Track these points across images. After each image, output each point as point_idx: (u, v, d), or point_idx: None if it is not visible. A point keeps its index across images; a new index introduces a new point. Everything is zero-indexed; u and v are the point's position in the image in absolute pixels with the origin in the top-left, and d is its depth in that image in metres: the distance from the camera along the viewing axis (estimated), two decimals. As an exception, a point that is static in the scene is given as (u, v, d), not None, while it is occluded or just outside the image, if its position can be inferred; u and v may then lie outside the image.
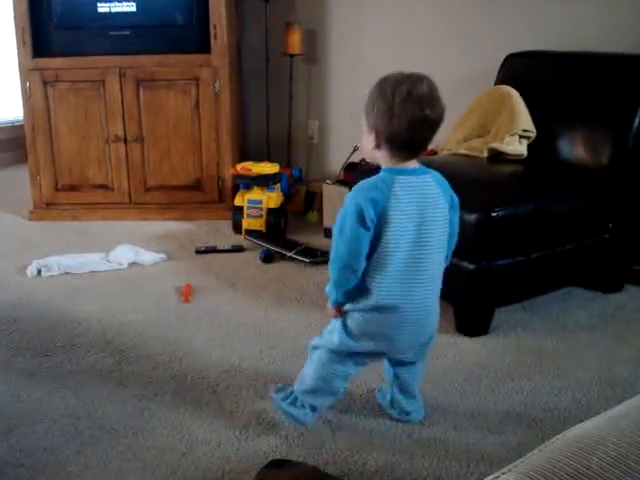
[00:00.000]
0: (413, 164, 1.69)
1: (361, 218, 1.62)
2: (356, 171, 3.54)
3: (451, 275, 2.42)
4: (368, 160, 3.60)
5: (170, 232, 3.67)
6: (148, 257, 3.22)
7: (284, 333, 2.50)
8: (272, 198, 3.57)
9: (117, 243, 3.33)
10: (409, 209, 1.64)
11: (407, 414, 1.94)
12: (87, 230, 3.72)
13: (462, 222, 2.32)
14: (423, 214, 1.66)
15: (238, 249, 3.38)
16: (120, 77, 3.72)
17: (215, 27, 3.67)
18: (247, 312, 2.67)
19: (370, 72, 4.03)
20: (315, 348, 1.87)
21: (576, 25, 3.23)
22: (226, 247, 3.38)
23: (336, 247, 1.68)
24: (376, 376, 2.08)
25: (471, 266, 2.36)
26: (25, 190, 3.99)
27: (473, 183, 2.63)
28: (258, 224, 3.53)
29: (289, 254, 3.22)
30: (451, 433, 1.89)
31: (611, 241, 2.67)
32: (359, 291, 1.71)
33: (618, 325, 2.55)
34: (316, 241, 3.47)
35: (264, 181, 3.59)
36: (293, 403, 1.90)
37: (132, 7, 3.65)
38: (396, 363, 1.90)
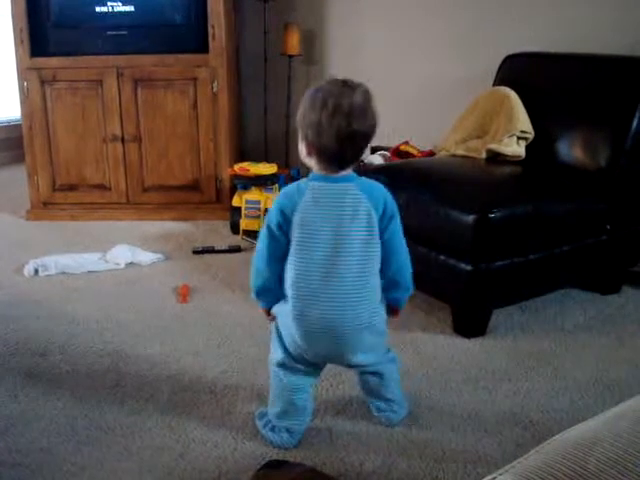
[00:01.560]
0: (342, 172, 1.67)
1: (269, 221, 1.66)
2: (354, 172, 3.54)
3: (448, 276, 2.44)
4: (365, 160, 3.61)
5: (168, 232, 3.67)
6: (145, 257, 3.22)
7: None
8: (270, 198, 3.57)
9: (114, 243, 3.33)
10: (319, 215, 1.62)
11: (381, 411, 1.92)
12: (84, 230, 3.72)
13: (460, 223, 2.34)
14: (345, 222, 1.62)
15: (236, 249, 3.37)
16: (118, 77, 3.72)
17: (213, 27, 3.66)
18: (244, 312, 2.66)
19: (368, 73, 4.04)
20: (270, 364, 1.83)
21: (574, 26, 3.23)
22: (224, 247, 3.38)
23: (256, 251, 1.71)
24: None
25: (468, 267, 2.36)
26: (22, 190, 3.99)
27: (471, 184, 2.63)
28: (256, 224, 3.52)
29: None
30: (448, 434, 1.89)
31: (609, 243, 2.67)
32: (282, 296, 1.71)
33: (615, 326, 2.55)
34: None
35: (262, 181, 3.59)
36: (272, 429, 1.84)
37: (130, 7, 3.65)
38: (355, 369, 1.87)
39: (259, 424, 1.90)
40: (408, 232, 2.57)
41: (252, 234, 3.48)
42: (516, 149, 2.87)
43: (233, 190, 3.74)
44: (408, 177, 2.73)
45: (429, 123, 3.64)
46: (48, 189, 3.90)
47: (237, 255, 3.33)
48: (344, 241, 1.62)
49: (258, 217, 3.52)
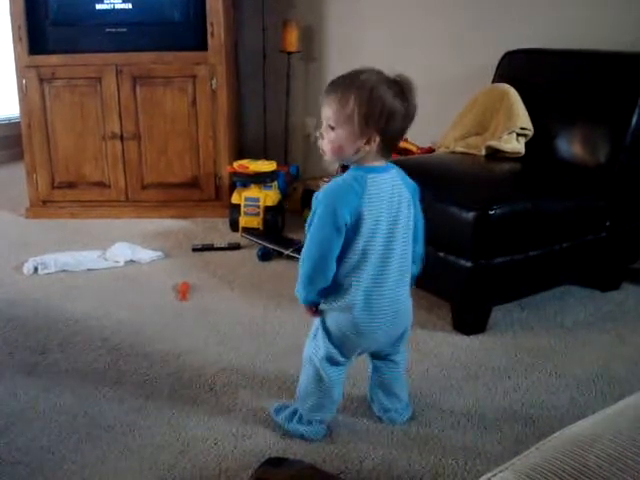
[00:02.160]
0: (380, 161, 1.70)
1: (336, 222, 1.61)
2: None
3: (448, 273, 2.44)
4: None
5: (167, 230, 3.67)
6: (145, 255, 3.21)
7: (281, 331, 2.50)
8: (269, 196, 3.57)
9: (114, 241, 3.33)
10: (382, 207, 1.65)
11: (385, 411, 1.93)
12: (84, 228, 3.72)
13: (459, 220, 2.34)
14: (393, 210, 1.67)
15: (235, 247, 3.37)
16: (117, 74, 3.71)
17: (212, 24, 3.66)
18: (244, 310, 2.67)
19: (367, 70, 3.97)
20: (308, 359, 1.82)
21: (574, 23, 3.22)
22: (223, 245, 3.38)
23: (308, 248, 1.67)
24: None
25: (468, 264, 2.36)
26: (21, 188, 3.98)
27: (471, 181, 2.63)
28: (255, 222, 3.52)
29: (286, 252, 3.22)
30: (448, 431, 1.89)
31: (608, 239, 2.67)
32: (334, 291, 1.70)
33: (615, 323, 2.55)
34: (313, 239, 3.46)
35: (261, 179, 3.59)
36: (300, 421, 1.86)
37: (129, 4, 3.64)
38: (375, 357, 1.90)
39: (280, 418, 1.90)
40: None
41: (251, 231, 3.48)
42: (515, 146, 2.87)
43: (232, 187, 3.73)
44: (407, 174, 2.72)
45: (428, 120, 3.63)
46: (47, 187, 3.89)
47: (236, 252, 3.33)
48: (396, 228, 1.68)
49: (257, 214, 3.52)
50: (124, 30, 3.68)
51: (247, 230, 3.51)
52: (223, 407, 2.00)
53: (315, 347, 1.80)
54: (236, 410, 1.99)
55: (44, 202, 3.92)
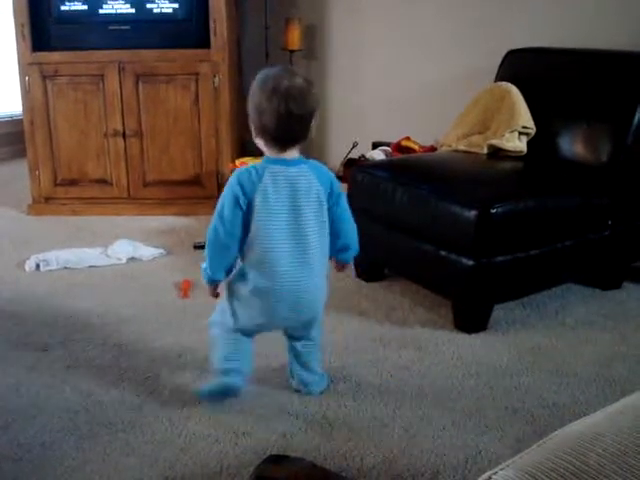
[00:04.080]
0: (292, 154, 1.83)
1: (235, 200, 1.79)
2: (355, 167, 3.55)
3: (450, 271, 2.44)
4: (366, 156, 3.61)
5: (169, 227, 3.67)
6: (147, 252, 3.22)
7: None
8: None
9: (116, 238, 3.33)
10: (280, 197, 1.79)
11: (305, 386, 2.06)
12: (86, 225, 3.72)
13: (461, 218, 2.34)
14: (296, 201, 1.80)
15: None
16: (119, 71, 3.72)
17: (215, 22, 3.66)
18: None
19: (370, 68, 4.01)
20: (212, 325, 2.01)
21: (576, 22, 3.23)
22: (225, 242, 3.37)
23: (214, 227, 1.86)
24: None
25: (470, 262, 2.36)
26: (24, 184, 3.99)
27: (473, 179, 2.63)
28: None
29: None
30: (449, 429, 1.89)
31: (610, 238, 2.67)
32: (238, 271, 1.88)
33: (617, 322, 2.55)
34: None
35: (263, 176, 3.58)
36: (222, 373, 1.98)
37: (131, 2, 3.65)
38: (289, 336, 2.03)
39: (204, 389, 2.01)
40: (409, 228, 2.59)
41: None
42: (518, 144, 2.87)
43: (234, 185, 3.72)
44: (409, 173, 2.73)
45: (430, 118, 3.63)
46: (49, 184, 3.90)
47: (238, 250, 3.32)
48: (304, 217, 1.81)
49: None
50: (127, 28, 3.68)
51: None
52: (224, 405, 2.00)
53: (222, 319, 1.96)
54: (238, 407, 1.99)
55: (46, 199, 3.92)
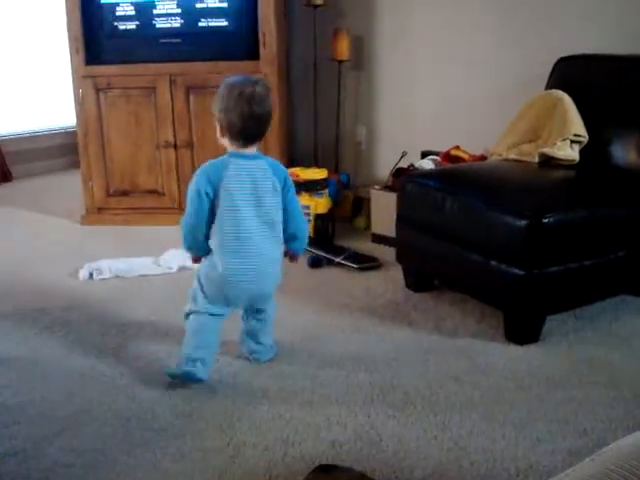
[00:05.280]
0: (251, 150, 2.14)
1: (199, 190, 2.08)
2: (404, 176, 3.53)
3: (500, 282, 2.41)
4: (415, 165, 3.59)
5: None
6: (197, 261, 3.25)
7: (333, 338, 2.51)
8: (320, 204, 3.58)
9: (167, 247, 3.37)
10: (243, 185, 2.08)
11: (251, 353, 2.32)
12: (138, 234, 3.78)
13: (512, 228, 2.32)
14: (256, 188, 2.09)
15: (285, 254, 3.38)
16: (170, 84, 3.78)
17: (264, 34, 3.69)
18: (296, 316, 2.67)
19: (418, 77, 4.00)
20: (187, 314, 2.25)
21: (629, 27, 3.17)
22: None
23: (186, 214, 2.14)
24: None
25: (521, 272, 2.33)
26: (78, 195, 4.08)
27: (524, 189, 2.60)
28: (305, 229, 3.54)
29: (337, 260, 3.22)
30: (499, 442, 1.87)
31: (666, 248, 2.61)
32: (209, 249, 2.15)
33: (673, 334, 2.49)
34: (364, 247, 3.47)
35: (312, 187, 3.60)
36: (188, 363, 2.15)
37: (183, 15, 3.71)
38: (246, 310, 2.29)
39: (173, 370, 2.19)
40: (459, 237, 2.57)
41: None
42: (570, 153, 2.82)
43: (283, 195, 3.75)
44: (459, 182, 2.71)
45: (480, 127, 3.61)
46: (102, 194, 3.97)
47: (286, 260, 3.33)
48: (261, 200, 2.10)
49: (308, 222, 3.53)
50: (178, 41, 3.75)
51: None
52: (275, 413, 2.01)
53: (192, 302, 2.24)
54: (287, 416, 1.99)
55: (99, 209, 4.00)
